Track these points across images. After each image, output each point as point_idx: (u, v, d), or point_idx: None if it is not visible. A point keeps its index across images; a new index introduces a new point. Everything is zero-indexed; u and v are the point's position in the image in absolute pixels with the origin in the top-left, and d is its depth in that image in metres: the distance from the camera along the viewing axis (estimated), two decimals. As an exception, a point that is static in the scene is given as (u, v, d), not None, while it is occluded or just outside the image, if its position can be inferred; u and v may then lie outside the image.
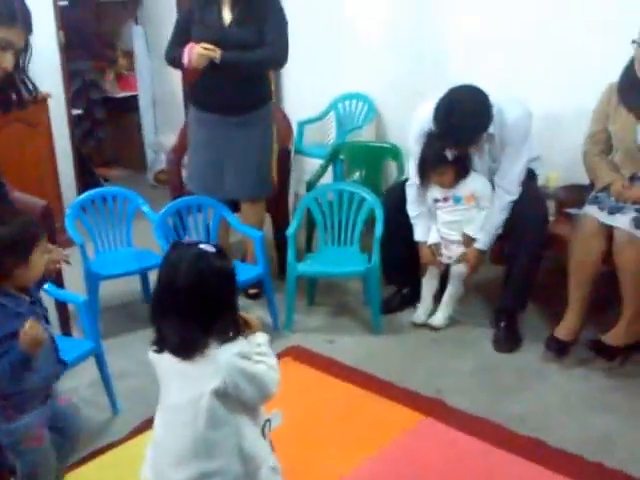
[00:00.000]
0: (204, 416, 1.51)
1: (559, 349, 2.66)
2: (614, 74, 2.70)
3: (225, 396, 1.51)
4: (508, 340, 2.82)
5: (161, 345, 1.55)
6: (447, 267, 2.99)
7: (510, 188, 2.77)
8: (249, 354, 1.56)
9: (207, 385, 1.50)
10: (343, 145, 3.83)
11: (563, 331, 2.66)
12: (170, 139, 4.59)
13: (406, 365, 2.72)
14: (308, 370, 2.70)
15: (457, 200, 2.87)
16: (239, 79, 2.93)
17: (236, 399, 1.53)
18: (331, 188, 3.28)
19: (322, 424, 2.39)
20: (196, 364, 1.51)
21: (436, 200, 2.91)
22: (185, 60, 2.85)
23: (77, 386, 2.54)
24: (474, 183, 2.84)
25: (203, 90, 2.98)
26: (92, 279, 2.95)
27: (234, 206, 3.21)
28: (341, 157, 3.71)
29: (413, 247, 2.99)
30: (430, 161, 2.81)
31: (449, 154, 2.76)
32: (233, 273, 1.58)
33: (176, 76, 4.65)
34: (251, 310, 3.05)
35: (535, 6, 3.25)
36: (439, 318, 2.96)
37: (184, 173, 3.59)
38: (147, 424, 2.21)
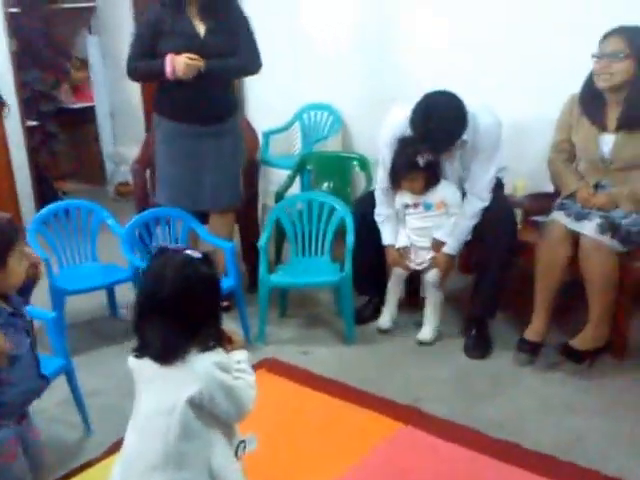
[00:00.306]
0: (177, 426, 1.49)
1: (530, 350, 2.72)
2: (577, 84, 2.78)
3: (200, 407, 1.50)
4: (479, 347, 2.85)
5: (142, 350, 1.54)
6: (416, 273, 3.03)
7: (482, 194, 2.81)
8: (228, 366, 1.55)
9: (183, 392, 1.49)
10: (310, 155, 3.83)
11: (532, 333, 2.72)
12: (131, 150, 4.52)
13: (381, 374, 2.72)
14: (283, 382, 2.68)
15: (428, 207, 2.90)
16: (215, 88, 2.94)
17: (210, 412, 1.52)
18: (300, 198, 3.28)
19: (300, 436, 2.37)
20: (174, 370, 1.50)
21: (406, 205, 2.93)
22: (169, 71, 2.82)
23: (47, 405, 2.44)
24: (444, 190, 2.88)
25: (180, 101, 2.93)
26: (58, 295, 2.87)
27: (202, 218, 3.17)
28: (308, 167, 3.71)
29: (383, 256, 3.01)
30: (401, 167, 2.84)
31: (420, 160, 2.79)
32: (219, 280, 1.59)
33: (135, 86, 4.58)
34: (222, 323, 3.01)
35: (500, 15, 3.31)
36: (427, 331, 2.93)
37: (149, 185, 3.55)
38: (121, 443, 2.15)
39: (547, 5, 3.16)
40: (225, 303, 3.13)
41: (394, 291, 3.04)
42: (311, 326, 3.15)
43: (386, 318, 3.02)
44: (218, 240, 3.06)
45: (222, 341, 1.56)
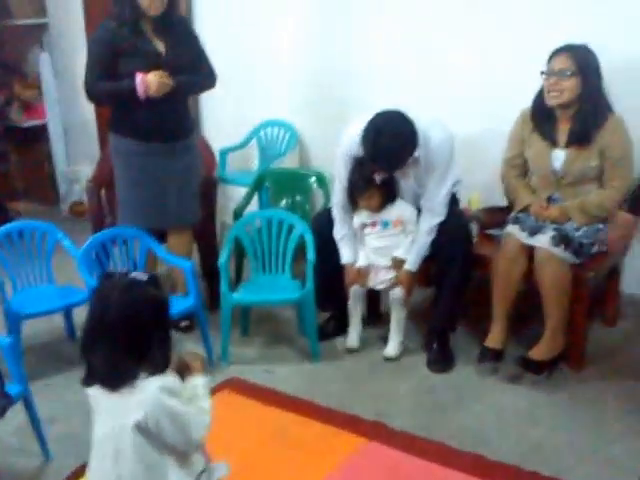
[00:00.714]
0: (126, 451, 1.48)
1: (493, 358, 2.76)
2: (528, 97, 2.86)
3: (147, 432, 1.49)
4: (441, 361, 2.88)
5: (90, 378, 1.53)
6: (374, 292, 3.04)
7: (438, 209, 2.85)
8: (176, 391, 1.54)
9: (130, 418, 1.48)
10: (268, 172, 3.83)
11: (493, 342, 2.77)
12: (85, 169, 4.45)
13: (346, 391, 2.73)
14: (248, 402, 2.66)
15: (385, 225, 2.92)
16: (177, 105, 2.95)
17: (158, 438, 1.50)
18: (259, 215, 3.27)
19: (266, 454, 2.35)
20: (122, 396, 1.49)
21: (364, 225, 2.95)
22: (141, 90, 2.79)
23: (1, 434, 2.38)
24: (401, 208, 2.91)
25: (142, 119, 2.89)
26: (13, 319, 2.79)
27: (160, 237, 3.13)
28: (266, 185, 3.71)
29: (342, 272, 3.01)
30: (358, 185, 2.87)
31: (377, 178, 2.82)
32: (166, 301, 1.59)
33: (88, 104, 4.51)
34: (183, 343, 2.98)
35: (451, 30, 3.37)
36: (392, 347, 2.94)
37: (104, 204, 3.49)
38: (82, 470, 2.10)
39: (498, 20, 3.24)
40: (185, 323, 3.11)
41: (355, 309, 3.04)
42: (274, 344, 3.13)
43: (353, 337, 3.02)
44: (177, 259, 3.03)
45: (172, 364, 1.56)
